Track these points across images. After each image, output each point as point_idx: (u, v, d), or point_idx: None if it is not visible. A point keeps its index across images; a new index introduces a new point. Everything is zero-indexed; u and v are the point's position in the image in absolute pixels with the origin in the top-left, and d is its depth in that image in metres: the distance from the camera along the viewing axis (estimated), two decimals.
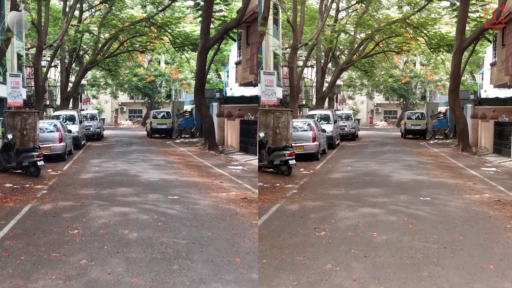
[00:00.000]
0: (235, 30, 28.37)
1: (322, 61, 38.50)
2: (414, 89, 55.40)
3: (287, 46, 34.05)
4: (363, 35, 37.48)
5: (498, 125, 24.05)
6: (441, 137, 34.72)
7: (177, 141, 32.26)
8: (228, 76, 41.68)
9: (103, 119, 45.72)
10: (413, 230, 9.34)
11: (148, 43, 36.15)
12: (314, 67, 41.31)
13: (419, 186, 14.67)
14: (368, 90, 57.37)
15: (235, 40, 30.74)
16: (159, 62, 55.62)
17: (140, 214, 10.65)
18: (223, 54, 43.62)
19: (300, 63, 34.62)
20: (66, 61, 36.77)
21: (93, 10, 36.51)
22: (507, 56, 23.39)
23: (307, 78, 43.41)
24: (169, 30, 33.67)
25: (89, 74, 49.01)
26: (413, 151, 26.25)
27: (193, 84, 50.72)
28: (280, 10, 28.03)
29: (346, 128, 34.38)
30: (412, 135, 36.29)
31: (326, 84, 39.71)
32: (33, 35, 32.30)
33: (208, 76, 32.85)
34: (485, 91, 34.09)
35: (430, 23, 33.43)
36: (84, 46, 38.05)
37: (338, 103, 52.05)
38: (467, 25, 26.78)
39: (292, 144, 20.72)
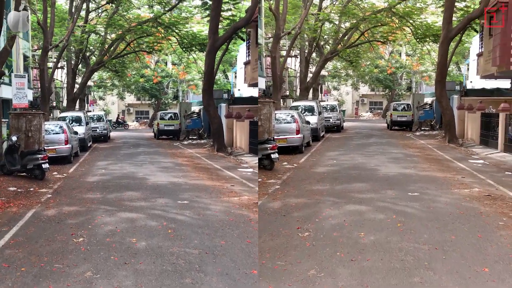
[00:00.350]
0: (243, 30, 27.81)
1: (306, 51, 37.79)
2: (400, 79, 54.67)
3: (270, 36, 33.34)
4: (348, 24, 36.83)
5: (485, 117, 23.53)
6: (427, 128, 33.97)
7: (185, 142, 31.72)
8: (236, 76, 41.22)
9: (110, 121, 45.29)
10: (402, 230, 8.80)
11: (155, 44, 35.68)
12: (298, 57, 40.57)
13: (406, 180, 14.09)
14: (353, 80, 56.64)
15: (243, 40, 30.19)
16: (166, 63, 55.23)
17: (148, 220, 10.11)
18: (231, 55, 43.14)
19: (284, 53, 33.95)
20: (73, 62, 36.35)
21: (99, 10, 36.06)
22: (494, 47, 22.77)
23: (291, 68, 42.74)
24: (176, 30, 33.16)
25: (95, 75, 48.66)
26: (399, 143, 25.57)
27: (200, 85, 50.35)
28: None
29: (331, 120, 33.58)
30: (398, 127, 35.49)
31: (310, 75, 38.99)
32: (39, 36, 31.92)
33: (215, 77, 32.30)
34: (471, 82, 33.56)
35: (416, 12, 32.87)
36: (91, 47, 37.64)
37: (323, 94, 51.31)
38: (453, 14, 26.24)
39: (275, 137, 20.15)
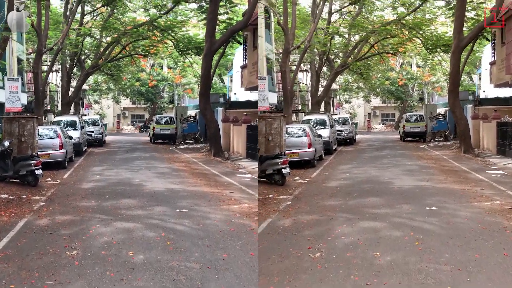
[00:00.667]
0: (240, 33, 27.43)
1: (317, 65, 37.51)
2: (412, 91, 54.40)
3: (281, 52, 33.11)
4: (357, 37, 36.53)
5: (501, 126, 23.10)
6: (441, 139, 33.74)
7: (181, 147, 31.29)
8: (232, 80, 40.79)
9: (105, 125, 44.78)
10: (420, 248, 8.24)
11: (151, 47, 35.23)
12: (309, 72, 40.31)
13: (423, 193, 13.58)
14: (364, 93, 56.42)
15: (240, 43, 29.81)
16: (161, 67, 54.80)
17: (146, 230, 9.65)
18: (227, 59, 42.70)
19: (294, 67, 33.67)
20: (67, 65, 35.85)
21: (94, 13, 35.60)
22: (507, 54, 22.49)
23: (302, 83, 42.50)
24: (172, 34, 32.74)
25: (91, 79, 48.16)
26: (413, 154, 25.18)
27: (196, 88, 50.08)
28: (272, 14, 27.02)
29: (343, 133, 33.34)
30: (411, 138, 35.23)
31: (321, 89, 38.70)
32: (33, 39, 31.43)
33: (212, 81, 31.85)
34: (484, 91, 33.16)
35: (425, 23, 32.52)
36: (86, 51, 37.15)
37: (334, 108, 50.95)
38: (464, 24, 25.86)
39: (287, 151, 19.74)
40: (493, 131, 24.12)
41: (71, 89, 36.85)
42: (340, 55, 39.92)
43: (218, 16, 27.37)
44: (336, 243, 8.81)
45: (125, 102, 58.78)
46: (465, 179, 16.09)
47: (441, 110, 36.87)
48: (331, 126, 28.52)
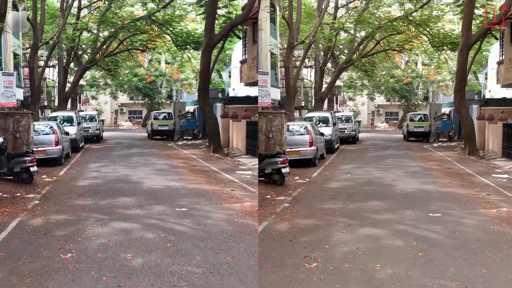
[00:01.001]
0: (240, 27, 26.95)
1: (321, 61, 37.01)
2: (416, 89, 53.89)
3: (285, 47, 32.66)
4: (363, 33, 36.00)
5: (508, 127, 22.54)
6: (445, 139, 33.30)
7: (179, 143, 30.83)
8: (230, 76, 40.34)
9: (103, 120, 44.34)
10: (424, 260, 7.70)
11: (149, 42, 34.71)
12: (313, 68, 39.81)
13: (426, 198, 13.07)
14: (369, 91, 55.88)
15: (239, 38, 29.32)
16: (159, 62, 54.28)
17: (144, 231, 9.20)
18: (226, 54, 42.21)
19: (299, 63, 33.18)
20: (64, 60, 35.33)
21: (91, 7, 35.06)
22: None
23: (307, 79, 42.02)
24: (170, 28, 32.24)
25: (88, 74, 47.60)
26: (417, 155, 24.71)
27: (194, 84, 49.57)
28: (277, 8, 26.53)
29: (346, 131, 32.85)
30: (415, 138, 34.71)
31: (325, 85, 38.21)
32: (30, 33, 30.91)
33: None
34: (490, 91, 32.65)
35: (433, 20, 31.98)
36: (83, 45, 36.61)
37: (338, 105, 50.45)
38: (473, 21, 25.33)
39: (288, 149, 19.27)
40: (499, 133, 23.54)
41: (68, 85, 36.37)
42: (345, 51, 39.39)
43: (217, 10, 26.89)
44: (334, 252, 8.28)
45: (123, 98, 58.23)
46: (470, 183, 15.63)
47: (445, 110, 36.42)
48: (334, 124, 28.03)
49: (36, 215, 10.69)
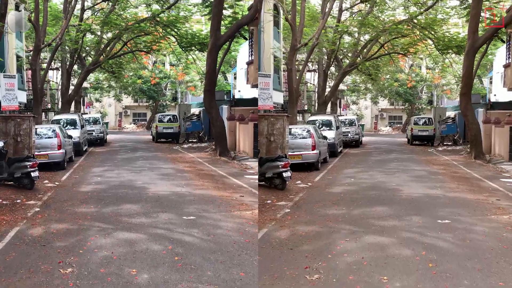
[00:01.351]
0: (246, 28, 26.39)
1: (324, 64, 36.44)
2: (420, 93, 53.30)
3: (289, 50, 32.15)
4: (367, 36, 35.43)
5: None
6: (449, 143, 32.75)
7: (185, 146, 30.28)
8: (235, 78, 39.83)
9: (107, 123, 43.82)
10: (435, 272, 7.13)
11: (153, 43, 34.19)
12: (316, 72, 39.24)
13: (433, 203, 12.47)
14: (372, 94, 55.35)
15: (246, 39, 28.77)
16: (164, 64, 53.81)
17: (150, 243, 8.61)
18: (231, 55, 41.70)
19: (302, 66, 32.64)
20: (67, 62, 34.84)
21: (95, 8, 34.57)
22: None
23: (310, 83, 41.46)
24: (175, 29, 31.73)
25: (91, 77, 47.13)
26: (421, 159, 24.10)
27: (199, 86, 49.06)
28: (281, 11, 25.96)
29: (349, 135, 32.38)
30: (419, 141, 34.15)
31: (329, 89, 37.64)
32: (33, 36, 30.42)
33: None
34: (495, 95, 32.04)
35: (438, 23, 31.41)
36: (86, 47, 36.11)
37: (341, 109, 49.88)
38: (479, 24, 24.72)
39: (290, 153, 18.73)
40: (505, 137, 23.08)
41: (72, 87, 35.88)
42: (349, 54, 38.83)
43: (223, 11, 26.34)
44: (337, 262, 7.71)
45: (127, 100, 57.78)
46: (478, 188, 15.03)
47: (450, 114, 35.87)
48: (337, 128, 27.56)
49: (36, 224, 10.13)
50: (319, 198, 13.56)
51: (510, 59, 24.41)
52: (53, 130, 20.48)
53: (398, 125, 58.35)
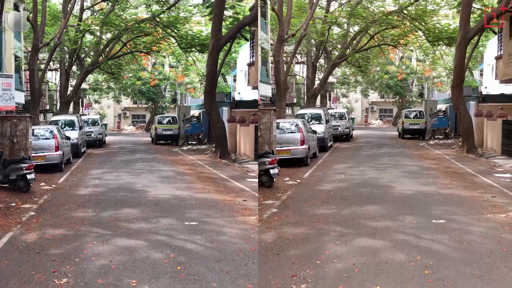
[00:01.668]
0: (247, 28, 25.96)
1: (313, 56, 35.88)
2: (411, 86, 52.81)
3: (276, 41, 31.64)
4: (356, 28, 34.91)
5: (507, 124, 21.65)
6: (441, 136, 32.26)
7: (184, 148, 29.83)
8: (235, 80, 39.42)
9: (106, 125, 43.37)
10: (432, 280, 6.64)
11: (153, 44, 33.76)
12: (305, 64, 38.71)
13: (427, 201, 11.98)
14: (362, 87, 54.82)
15: (247, 40, 28.34)
16: (163, 65, 53.41)
17: (151, 250, 8.13)
18: (231, 57, 41.32)
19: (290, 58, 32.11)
20: (66, 63, 34.40)
21: (94, 8, 34.16)
22: None
23: (299, 76, 40.91)
24: (175, 30, 31.32)
25: (90, 78, 46.72)
26: (413, 153, 23.65)
27: (199, 88, 48.68)
28: (267, 1, 25.40)
29: (339, 128, 31.90)
30: (410, 135, 33.66)
31: (318, 81, 37.08)
32: (32, 36, 30.01)
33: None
34: (485, 87, 31.66)
35: (428, 14, 30.96)
36: (85, 48, 35.66)
37: (331, 102, 49.36)
38: (471, 15, 24.30)
39: (278, 148, 18.27)
40: (498, 130, 22.65)
41: (70, 88, 35.43)
42: (338, 46, 38.30)
43: (224, 11, 25.91)
44: (326, 269, 7.20)
45: (126, 102, 57.40)
46: (472, 184, 14.57)
47: (441, 107, 35.43)
48: (327, 121, 27.09)
49: (30, 229, 9.67)
50: (308, 196, 13.12)
51: (502, 51, 24.03)
52: (51, 131, 20.05)
53: (389, 118, 57.94)
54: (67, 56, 33.91)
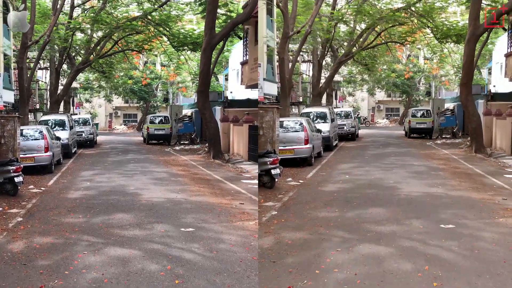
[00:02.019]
0: (241, 27, 25.45)
1: (319, 54, 35.42)
2: (418, 84, 52.43)
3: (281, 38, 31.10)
4: (363, 25, 34.42)
5: None
6: (448, 136, 31.88)
7: (177, 148, 29.33)
8: (227, 79, 38.95)
9: (97, 124, 42.79)
10: None
11: (145, 42, 33.19)
12: (311, 62, 38.20)
13: (435, 204, 11.51)
14: (369, 86, 54.38)
15: (240, 38, 27.86)
16: (155, 64, 52.87)
17: (146, 261, 7.61)
18: (223, 55, 40.84)
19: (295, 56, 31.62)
20: (56, 61, 33.77)
21: (85, 5, 33.54)
22: None
23: (305, 74, 40.39)
24: (167, 28, 30.78)
25: (81, 77, 46.10)
26: (420, 153, 23.27)
27: (191, 87, 48.14)
28: None
29: (345, 127, 31.54)
30: (417, 134, 33.29)
31: (324, 80, 36.61)
32: (20, 33, 29.35)
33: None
34: (494, 86, 31.26)
35: (436, 11, 30.49)
36: (76, 46, 35.04)
37: (337, 100, 49.02)
38: (480, 11, 23.86)
39: (281, 147, 17.82)
40: (507, 129, 22.17)
41: (61, 87, 34.81)
42: (345, 43, 37.81)
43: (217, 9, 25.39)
44: (325, 280, 6.71)
45: (117, 101, 56.90)
46: (482, 185, 14.12)
47: (449, 105, 35.00)
48: (332, 120, 26.67)
49: (17, 237, 9.14)
50: (311, 197, 12.67)
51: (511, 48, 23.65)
52: (40, 132, 19.48)
53: (396, 117, 57.67)
54: (57, 55, 33.29)
